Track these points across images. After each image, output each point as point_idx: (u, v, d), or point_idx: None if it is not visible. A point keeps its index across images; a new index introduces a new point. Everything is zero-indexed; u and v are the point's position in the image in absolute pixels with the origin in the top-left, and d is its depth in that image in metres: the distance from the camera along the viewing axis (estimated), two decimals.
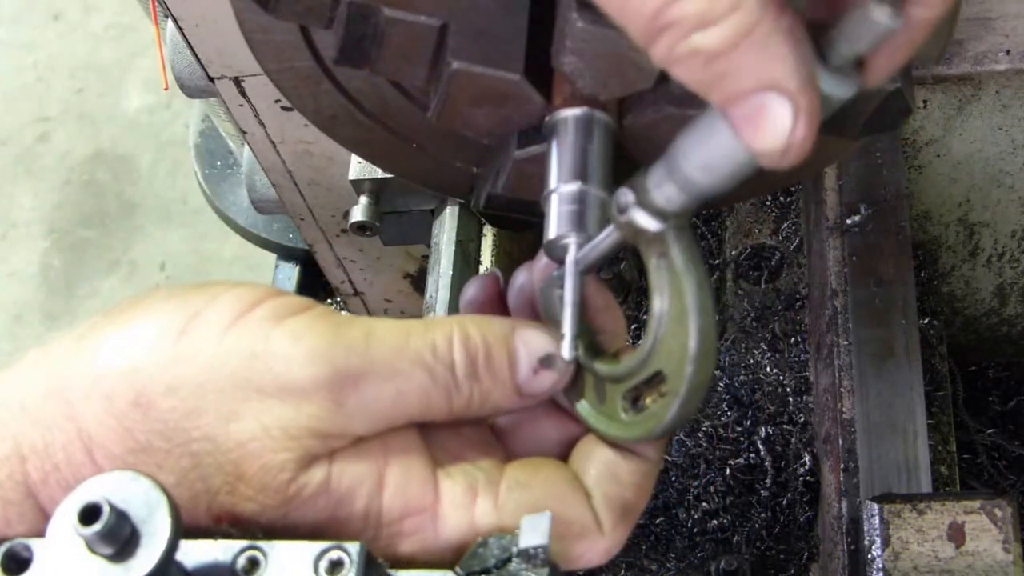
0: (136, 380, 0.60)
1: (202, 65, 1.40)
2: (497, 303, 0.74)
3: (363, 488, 0.62)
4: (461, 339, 0.64)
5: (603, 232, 0.68)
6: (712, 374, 0.63)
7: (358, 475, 0.62)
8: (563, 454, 0.70)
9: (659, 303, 0.64)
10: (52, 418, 0.60)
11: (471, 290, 0.74)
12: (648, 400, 0.66)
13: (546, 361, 0.66)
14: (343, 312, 0.66)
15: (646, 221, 0.62)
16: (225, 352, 0.60)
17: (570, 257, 0.70)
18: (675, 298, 0.63)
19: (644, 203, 0.62)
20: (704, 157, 0.58)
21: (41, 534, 0.56)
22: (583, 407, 0.69)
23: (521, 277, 0.73)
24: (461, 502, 0.64)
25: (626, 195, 0.63)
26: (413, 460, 0.64)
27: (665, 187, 0.61)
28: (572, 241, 0.70)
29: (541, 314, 0.72)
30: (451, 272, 1.43)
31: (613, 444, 0.68)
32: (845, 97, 0.56)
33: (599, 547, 0.66)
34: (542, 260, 0.72)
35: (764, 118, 0.53)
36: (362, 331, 0.63)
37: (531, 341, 0.67)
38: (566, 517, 0.64)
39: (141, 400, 0.59)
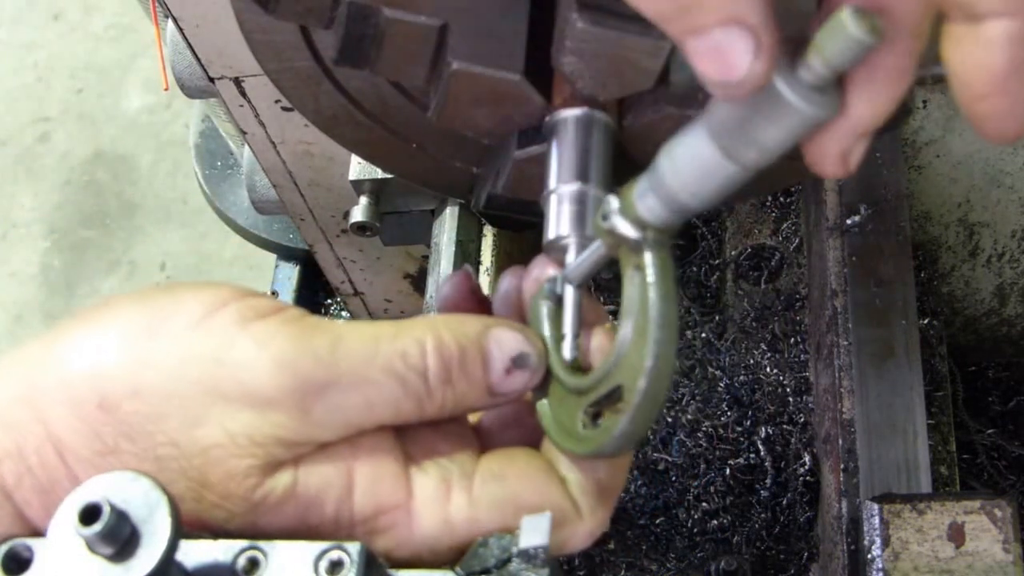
0: (101, 384, 0.59)
1: (202, 65, 1.40)
2: (470, 299, 0.73)
3: (332, 490, 0.61)
4: (435, 345, 0.63)
5: (591, 246, 0.67)
6: (667, 391, 0.61)
7: (326, 478, 0.61)
8: (537, 440, 0.69)
9: (627, 316, 0.63)
10: (22, 422, 0.59)
11: (445, 288, 0.74)
12: (606, 416, 0.64)
13: (519, 360, 0.65)
14: (315, 316, 0.64)
15: (626, 228, 0.62)
16: (189, 357, 0.59)
17: (570, 257, 0.70)
18: (642, 311, 0.62)
19: (627, 212, 0.62)
20: (686, 174, 0.58)
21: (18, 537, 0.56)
22: (548, 421, 0.67)
23: (506, 283, 0.72)
24: (434, 496, 0.63)
25: (610, 203, 0.63)
26: (383, 457, 0.63)
27: (648, 198, 0.60)
28: (572, 241, 0.70)
29: (529, 323, 0.71)
30: (451, 272, 1.43)
31: None
32: (818, 116, 0.53)
33: (581, 531, 0.66)
34: (532, 272, 0.71)
35: (725, 51, 0.52)
36: (330, 338, 0.61)
37: (503, 340, 0.65)
38: (543, 506, 0.63)
39: (106, 403, 0.59)
